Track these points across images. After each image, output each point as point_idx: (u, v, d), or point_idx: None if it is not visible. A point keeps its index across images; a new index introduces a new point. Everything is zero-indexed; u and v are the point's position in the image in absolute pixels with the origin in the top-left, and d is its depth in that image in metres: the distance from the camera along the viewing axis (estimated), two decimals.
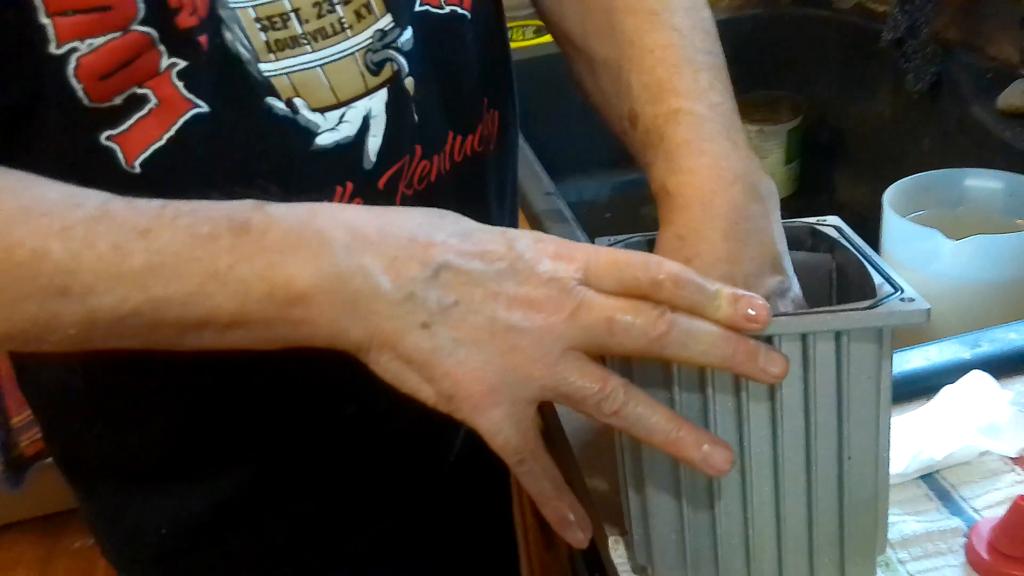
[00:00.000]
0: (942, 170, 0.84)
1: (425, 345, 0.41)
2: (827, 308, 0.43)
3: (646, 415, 0.41)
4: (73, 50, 0.46)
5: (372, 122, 0.54)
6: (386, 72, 0.54)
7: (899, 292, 0.43)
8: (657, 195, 0.53)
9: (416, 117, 0.57)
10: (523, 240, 0.43)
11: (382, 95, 0.54)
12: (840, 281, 0.52)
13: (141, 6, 0.46)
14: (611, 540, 0.55)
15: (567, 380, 0.41)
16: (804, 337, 0.42)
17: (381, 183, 0.56)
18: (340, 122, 0.53)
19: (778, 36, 1.30)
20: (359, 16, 0.53)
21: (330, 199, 0.54)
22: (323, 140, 0.53)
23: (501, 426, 0.41)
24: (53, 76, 0.47)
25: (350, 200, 0.55)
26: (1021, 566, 0.49)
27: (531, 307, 0.41)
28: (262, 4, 0.50)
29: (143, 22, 0.47)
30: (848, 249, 0.50)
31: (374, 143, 0.55)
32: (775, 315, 0.41)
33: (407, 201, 0.57)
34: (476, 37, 0.61)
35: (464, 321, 0.41)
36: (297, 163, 0.53)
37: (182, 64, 0.48)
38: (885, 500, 0.47)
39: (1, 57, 0.46)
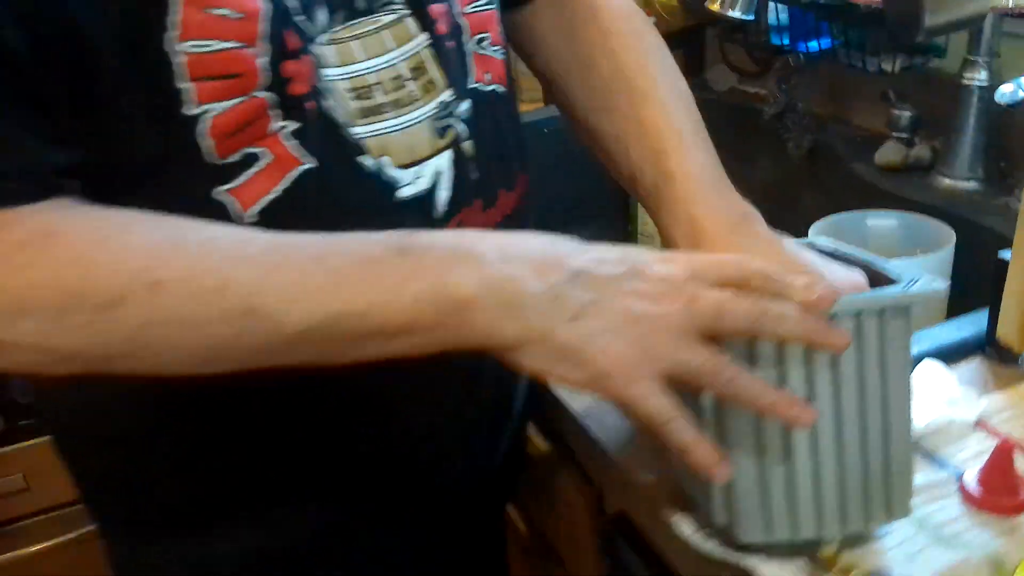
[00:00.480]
0: (848, 212, 1.00)
1: (575, 335, 0.50)
2: (871, 291, 0.55)
3: (751, 384, 0.51)
4: (207, 111, 0.53)
5: (440, 178, 0.63)
6: (449, 136, 0.63)
7: (918, 279, 0.55)
8: (665, 245, 0.65)
9: (474, 175, 0.65)
10: (631, 250, 0.53)
11: (447, 155, 0.63)
12: None
13: (263, 75, 0.54)
14: (674, 519, 0.63)
15: (691, 357, 0.50)
16: (858, 315, 0.54)
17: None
18: (416, 177, 0.61)
19: None
20: (426, 90, 0.62)
21: None
22: (403, 193, 0.61)
23: (648, 395, 0.50)
24: (185, 134, 0.53)
25: None
26: (1005, 495, 0.61)
27: (655, 300, 0.51)
28: (353, 77, 0.58)
29: (264, 88, 0.54)
30: (851, 255, 0.63)
31: (442, 196, 0.63)
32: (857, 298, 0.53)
33: None
34: (509, 110, 0.71)
35: (604, 313, 0.50)
36: (383, 212, 0.60)
37: (293, 126, 0.56)
38: (912, 449, 0.59)
39: (140, 116, 0.52)
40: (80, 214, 0.50)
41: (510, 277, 0.50)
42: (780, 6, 1.20)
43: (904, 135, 1.12)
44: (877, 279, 0.59)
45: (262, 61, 0.53)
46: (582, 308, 0.50)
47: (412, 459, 0.71)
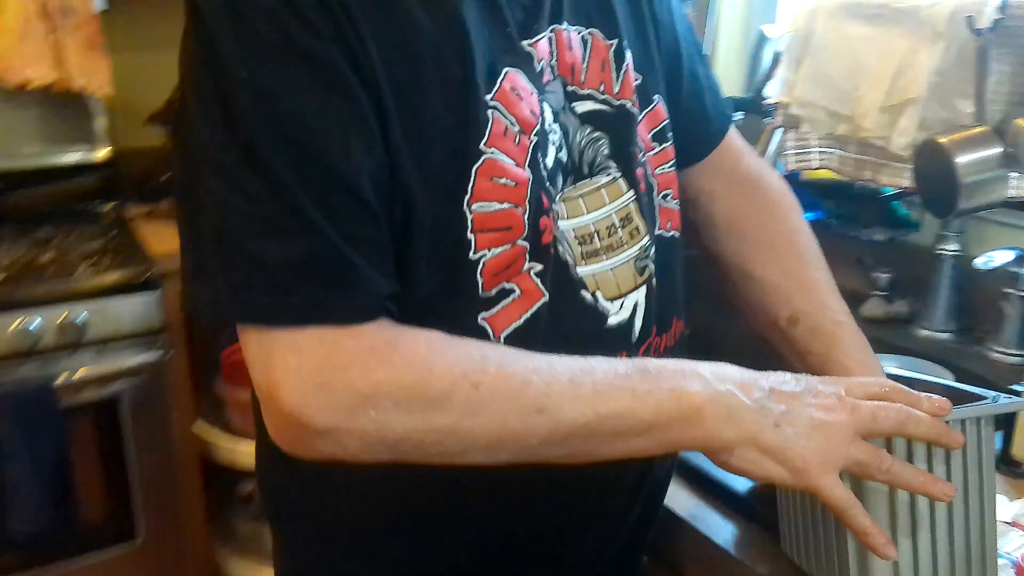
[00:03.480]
0: None
1: (779, 438, 0.64)
2: (971, 405, 0.71)
3: (905, 470, 0.66)
4: (483, 256, 0.68)
5: (637, 308, 0.78)
6: (646, 274, 0.79)
7: (999, 396, 0.72)
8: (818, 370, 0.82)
9: (657, 306, 0.80)
10: (799, 375, 0.68)
11: (643, 289, 0.79)
12: None
13: (525, 227, 0.69)
14: None
15: (860, 453, 0.65)
16: (963, 422, 0.70)
17: (639, 352, 0.78)
18: (620, 308, 0.77)
19: None
20: (631, 236, 0.78)
21: None
22: (611, 321, 0.76)
23: (834, 485, 0.64)
24: (466, 274, 0.68)
25: None
26: None
27: (830, 410, 0.66)
28: (578, 227, 0.74)
29: (524, 238, 0.69)
30: (930, 382, 0.79)
31: (638, 323, 0.78)
32: (956, 411, 0.69)
33: None
34: (680, 252, 0.86)
35: (797, 421, 0.65)
36: (595, 336, 0.75)
37: (538, 267, 0.71)
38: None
39: (434, 258, 0.67)
40: (407, 330, 0.64)
41: (726, 391, 0.65)
42: None
43: (884, 293, 1.33)
44: (957, 399, 0.75)
45: (525, 217, 0.69)
46: (780, 417, 0.65)
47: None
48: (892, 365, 0.98)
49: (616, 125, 0.77)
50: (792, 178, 1.35)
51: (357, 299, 0.62)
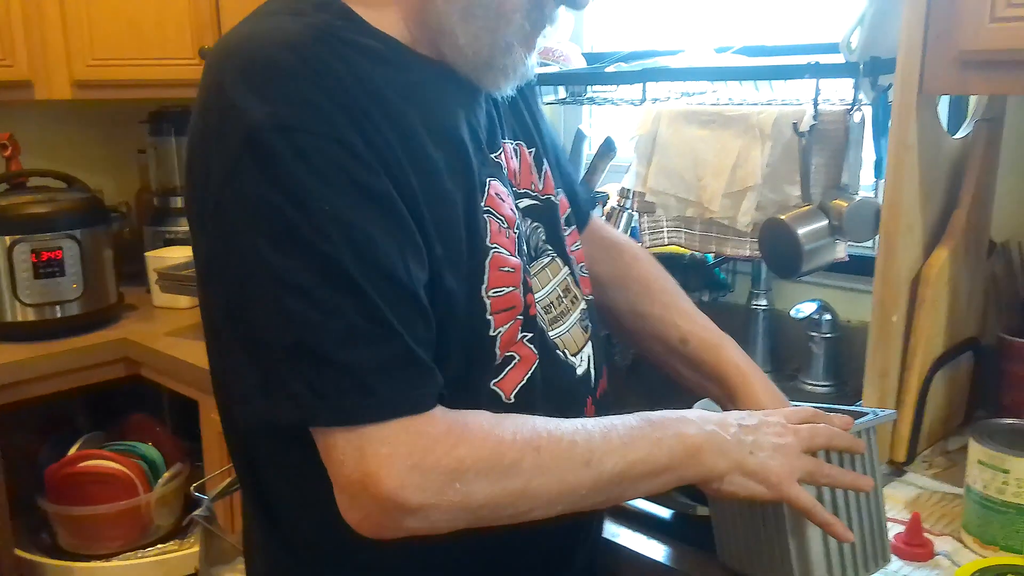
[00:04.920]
0: None
1: (755, 462, 0.82)
2: (864, 420, 0.92)
3: (839, 473, 0.86)
4: (499, 332, 0.82)
5: (590, 360, 0.94)
6: (588, 331, 0.96)
7: (878, 411, 0.94)
8: (724, 376, 1.01)
9: (595, 356, 0.97)
10: (750, 412, 0.87)
11: (590, 344, 0.96)
12: None
13: (520, 304, 0.84)
14: None
15: (809, 464, 0.84)
16: (859, 433, 0.91)
17: (597, 395, 0.93)
18: (581, 361, 0.93)
19: None
20: (573, 302, 0.95)
21: (585, 408, 0.90)
22: (578, 372, 0.92)
23: (800, 491, 0.83)
24: (486, 350, 0.82)
25: (592, 408, 0.91)
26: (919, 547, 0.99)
27: (781, 434, 0.85)
28: (542, 299, 0.90)
29: (520, 313, 0.84)
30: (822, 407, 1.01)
31: (592, 372, 0.94)
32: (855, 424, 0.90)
33: (603, 407, 0.94)
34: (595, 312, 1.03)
35: (764, 446, 0.83)
36: (572, 387, 0.91)
37: (529, 335, 0.86)
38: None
39: (464, 342, 0.80)
40: (465, 411, 0.76)
41: (712, 431, 0.83)
42: None
43: None
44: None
45: (522, 296, 0.84)
46: (752, 446, 0.83)
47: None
48: None
49: (547, 215, 0.94)
50: None
51: (430, 389, 0.74)
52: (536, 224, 0.93)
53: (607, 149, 1.65)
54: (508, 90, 0.86)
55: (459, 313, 0.79)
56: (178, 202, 2.41)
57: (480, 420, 0.75)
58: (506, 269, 0.82)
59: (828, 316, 1.47)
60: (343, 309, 0.70)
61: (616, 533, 1.07)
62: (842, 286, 1.53)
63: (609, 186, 1.67)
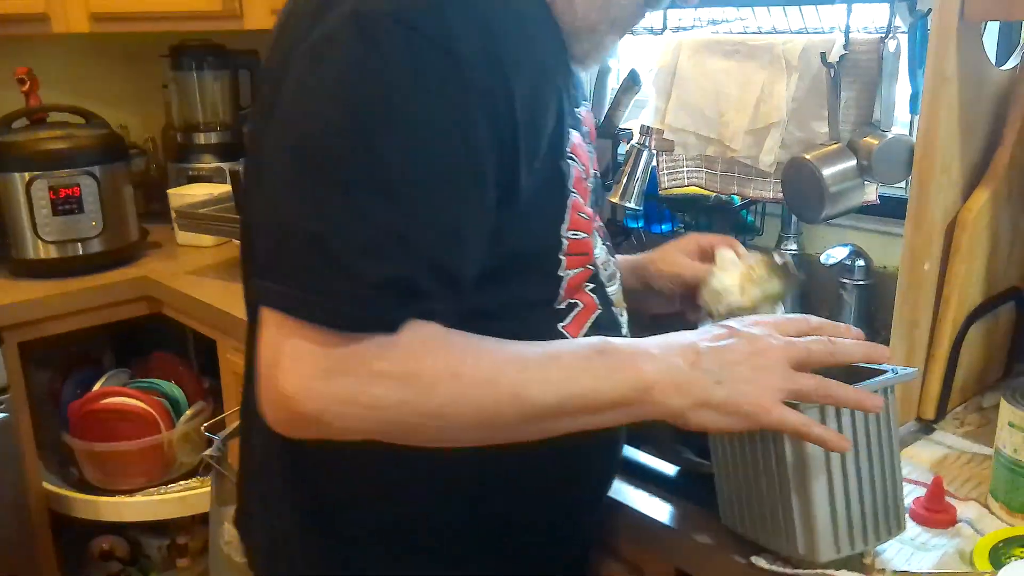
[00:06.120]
0: None
1: (722, 393, 0.75)
2: (886, 377, 0.84)
3: (843, 391, 0.77)
4: (567, 275, 0.82)
5: (628, 322, 0.95)
6: (622, 294, 0.96)
7: (897, 368, 0.87)
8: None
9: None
10: (730, 321, 0.80)
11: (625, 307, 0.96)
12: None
13: (592, 254, 0.85)
14: (754, 558, 0.87)
15: (799, 384, 0.76)
16: (877, 390, 0.83)
17: None
18: (624, 319, 0.94)
19: None
20: (615, 267, 0.96)
21: None
22: (623, 331, 0.92)
23: (783, 414, 0.75)
24: (554, 289, 0.82)
25: None
26: (942, 513, 0.92)
27: (763, 354, 0.76)
28: (600, 256, 0.90)
29: (590, 264, 0.86)
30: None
31: (628, 335, 0.93)
32: (865, 383, 0.82)
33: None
34: None
35: (734, 374, 0.75)
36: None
37: (591, 285, 0.86)
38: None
39: (540, 275, 0.81)
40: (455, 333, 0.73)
41: (672, 363, 0.75)
42: None
43: None
44: (857, 373, 0.89)
45: (592, 245, 0.85)
46: (719, 374, 0.75)
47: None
48: None
49: (596, 188, 0.93)
50: (651, 194, 1.50)
51: (410, 312, 0.69)
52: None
53: (632, 82, 1.56)
54: (591, 65, 0.89)
55: (529, 245, 0.79)
56: (201, 138, 2.38)
57: (449, 341, 0.71)
58: (583, 215, 0.84)
59: (861, 262, 1.37)
60: (375, 217, 0.68)
61: (618, 489, 1.03)
62: (877, 229, 1.42)
63: (633, 122, 1.58)
